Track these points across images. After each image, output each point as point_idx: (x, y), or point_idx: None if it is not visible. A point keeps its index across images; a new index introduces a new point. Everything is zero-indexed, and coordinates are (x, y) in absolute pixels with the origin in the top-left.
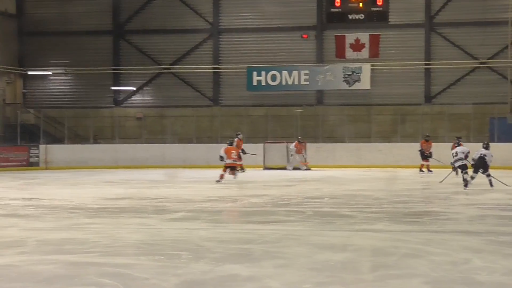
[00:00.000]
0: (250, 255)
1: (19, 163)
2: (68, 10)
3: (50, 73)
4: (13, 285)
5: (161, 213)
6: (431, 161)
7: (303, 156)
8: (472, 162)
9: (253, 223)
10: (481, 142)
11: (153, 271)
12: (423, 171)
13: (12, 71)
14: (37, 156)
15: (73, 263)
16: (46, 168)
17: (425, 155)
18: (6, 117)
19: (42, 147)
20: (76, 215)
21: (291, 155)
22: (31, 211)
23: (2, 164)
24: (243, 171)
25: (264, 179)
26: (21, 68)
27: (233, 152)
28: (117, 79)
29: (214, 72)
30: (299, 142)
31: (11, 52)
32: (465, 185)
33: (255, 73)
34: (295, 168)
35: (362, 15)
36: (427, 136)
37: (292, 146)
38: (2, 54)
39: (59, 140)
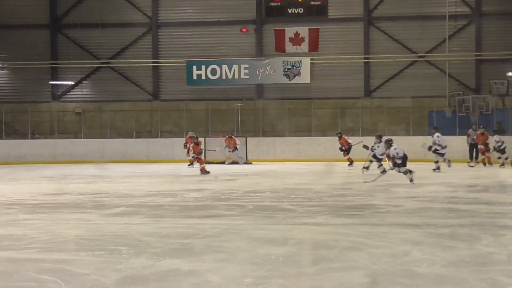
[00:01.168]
0: (191, 249)
1: None
2: (4, 3)
3: None
4: None
5: (101, 208)
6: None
7: (230, 150)
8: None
9: (194, 217)
10: (420, 136)
11: (94, 267)
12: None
13: None
14: None
15: (11, 260)
16: None
17: (343, 150)
18: None
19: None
20: (14, 211)
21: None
22: None
23: None
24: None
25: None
26: None
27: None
28: (55, 74)
29: (153, 66)
30: (229, 137)
31: None
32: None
33: (195, 67)
34: (233, 163)
35: (301, 9)
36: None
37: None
38: None
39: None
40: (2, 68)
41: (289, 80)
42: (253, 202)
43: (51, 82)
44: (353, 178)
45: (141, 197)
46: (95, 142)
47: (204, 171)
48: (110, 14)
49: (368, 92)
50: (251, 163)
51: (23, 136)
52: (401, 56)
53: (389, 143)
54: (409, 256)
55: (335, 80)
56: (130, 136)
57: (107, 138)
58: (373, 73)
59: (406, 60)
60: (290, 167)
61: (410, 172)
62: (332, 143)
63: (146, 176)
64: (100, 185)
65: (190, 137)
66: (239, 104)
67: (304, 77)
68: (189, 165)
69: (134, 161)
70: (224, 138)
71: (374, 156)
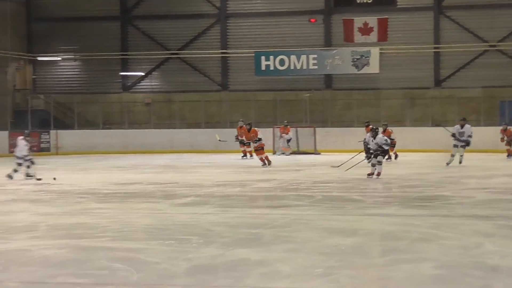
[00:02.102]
0: (260, 239)
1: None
2: None
3: (59, 58)
4: (26, 269)
5: (170, 198)
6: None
7: (286, 140)
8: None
9: (262, 207)
10: (491, 126)
11: (164, 256)
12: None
13: (22, 57)
14: (48, 142)
15: (84, 248)
16: (57, 154)
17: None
18: (16, 103)
19: (52, 132)
20: (86, 200)
21: (279, 141)
22: (41, 196)
23: (13, 149)
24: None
25: (273, 163)
26: (31, 54)
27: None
28: (125, 65)
29: (222, 57)
30: (285, 126)
31: (20, 38)
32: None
33: (263, 57)
34: (283, 153)
35: None
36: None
37: (277, 130)
38: (11, 40)
39: (69, 126)
40: (74, 60)
41: (358, 70)
42: (322, 192)
43: (122, 73)
44: (422, 169)
45: (210, 187)
46: (164, 133)
47: (262, 161)
48: (179, 5)
49: (438, 82)
50: (319, 154)
51: (94, 126)
52: (472, 45)
53: (375, 132)
54: (481, 248)
55: (404, 70)
56: (199, 127)
57: (176, 128)
58: (443, 63)
59: (476, 50)
60: (358, 158)
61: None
62: (401, 133)
63: (214, 166)
64: (169, 175)
65: (241, 127)
66: (308, 95)
67: (373, 67)
68: (242, 156)
69: (202, 151)
70: (279, 127)
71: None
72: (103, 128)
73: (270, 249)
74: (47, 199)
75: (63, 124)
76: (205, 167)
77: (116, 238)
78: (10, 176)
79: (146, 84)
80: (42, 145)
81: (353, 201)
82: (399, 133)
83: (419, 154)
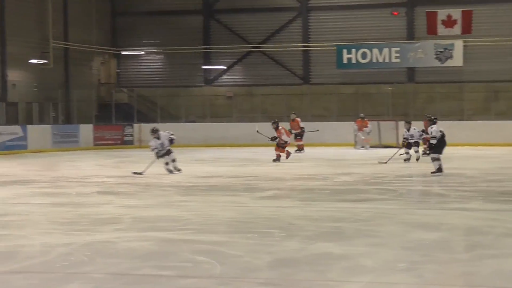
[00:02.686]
0: (343, 233)
1: (113, 142)
2: None
3: (142, 52)
4: (110, 261)
5: (252, 191)
6: None
7: (366, 133)
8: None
9: (345, 201)
10: None
11: (246, 249)
12: None
13: (106, 51)
14: (131, 135)
15: (167, 240)
16: (140, 147)
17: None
18: (101, 96)
19: (136, 125)
20: (169, 193)
21: (355, 134)
22: (126, 189)
23: (98, 142)
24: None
25: (354, 157)
26: (115, 48)
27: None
28: (207, 58)
29: (303, 50)
30: (362, 119)
31: (105, 33)
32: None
33: (345, 51)
34: (362, 147)
35: None
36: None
37: (353, 124)
38: (96, 35)
39: (151, 119)
40: (157, 54)
41: (441, 63)
42: (405, 186)
43: (204, 67)
44: (506, 163)
45: (291, 181)
46: (246, 126)
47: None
48: None
49: None
50: (401, 147)
51: (177, 119)
52: None
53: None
54: None
55: (489, 63)
56: (280, 120)
57: (257, 121)
58: None
59: None
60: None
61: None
62: (484, 127)
63: (296, 160)
64: (250, 168)
65: (293, 120)
66: (390, 88)
67: (457, 60)
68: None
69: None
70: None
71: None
72: (187, 122)
73: (353, 243)
74: (131, 192)
75: (146, 118)
76: (286, 160)
77: (199, 231)
78: (173, 169)
79: (228, 77)
80: (126, 138)
81: (436, 196)
82: (482, 126)
83: (503, 148)
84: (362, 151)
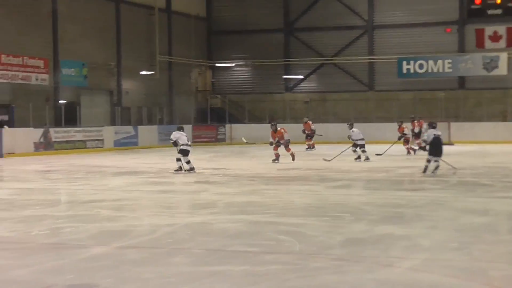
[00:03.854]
0: (403, 217)
1: (209, 139)
2: (247, 12)
3: (233, 65)
4: (207, 239)
5: (325, 181)
6: None
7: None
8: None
9: (404, 190)
10: None
11: (321, 230)
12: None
13: (203, 64)
14: (224, 134)
15: (254, 222)
16: (231, 143)
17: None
18: (198, 102)
19: (227, 126)
20: (255, 183)
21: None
22: (219, 179)
23: (196, 140)
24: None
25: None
26: (210, 61)
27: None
28: (287, 69)
29: (369, 62)
30: (416, 120)
31: (202, 49)
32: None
33: (404, 62)
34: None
35: (499, 10)
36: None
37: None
38: (195, 50)
39: (240, 120)
40: (245, 65)
41: (488, 72)
42: (456, 178)
43: (284, 77)
44: None
45: (358, 173)
46: (320, 126)
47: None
48: (333, 19)
49: None
50: (453, 144)
51: (261, 121)
52: None
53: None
54: None
55: None
56: (355, 121)
57: (329, 123)
58: None
59: None
60: (488, 149)
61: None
62: None
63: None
64: (323, 162)
65: (305, 123)
66: (443, 94)
67: (502, 69)
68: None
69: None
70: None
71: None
72: (269, 123)
73: (412, 225)
74: (223, 181)
75: (236, 119)
76: (352, 155)
77: (280, 214)
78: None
79: (305, 85)
80: (219, 137)
81: (484, 186)
82: None
83: None
84: (418, 147)
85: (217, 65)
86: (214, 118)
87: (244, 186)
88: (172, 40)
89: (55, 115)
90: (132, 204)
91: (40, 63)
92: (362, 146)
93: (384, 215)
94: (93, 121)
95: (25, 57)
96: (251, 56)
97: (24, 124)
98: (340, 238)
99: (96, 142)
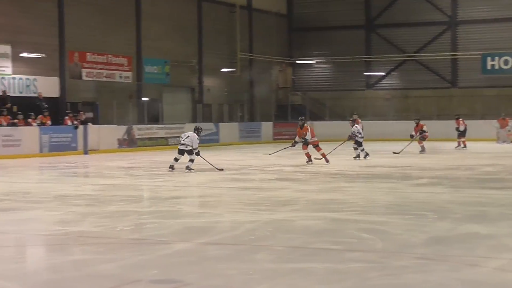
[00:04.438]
0: (487, 216)
1: (289, 136)
2: (328, 9)
3: (313, 62)
4: (289, 236)
5: (408, 179)
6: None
7: (508, 130)
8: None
9: (489, 188)
10: None
11: (404, 228)
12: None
13: (283, 61)
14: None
15: (336, 220)
16: None
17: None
18: (279, 99)
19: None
20: (336, 180)
21: (497, 131)
22: (300, 176)
23: (276, 137)
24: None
25: (496, 150)
26: (290, 59)
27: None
28: (368, 66)
29: (452, 58)
30: (502, 118)
31: (282, 46)
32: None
33: (489, 58)
34: (504, 142)
35: None
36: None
37: (495, 122)
38: (275, 47)
39: (321, 118)
40: (326, 63)
41: None
42: None
43: (365, 73)
44: None
45: (441, 170)
46: (402, 123)
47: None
48: (415, 15)
49: None
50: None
51: (342, 118)
52: None
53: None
54: None
55: None
56: (430, 119)
57: (411, 120)
58: None
59: None
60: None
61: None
62: None
63: (444, 152)
64: (405, 160)
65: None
66: None
67: None
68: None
69: (433, 139)
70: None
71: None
72: (348, 120)
73: (497, 224)
74: (304, 178)
75: (316, 116)
76: (434, 153)
77: (362, 212)
78: (172, 167)
79: (386, 82)
80: None
81: None
82: None
83: None
84: (504, 145)
85: (298, 62)
86: (294, 115)
87: (325, 183)
88: (253, 38)
89: (138, 112)
90: (214, 200)
91: (124, 61)
92: (360, 144)
93: (468, 214)
94: (174, 118)
95: (109, 55)
96: (332, 53)
97: (108, 121)
98: (423, 236)
99: (178, 139)
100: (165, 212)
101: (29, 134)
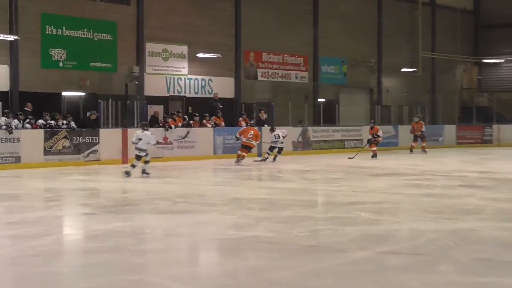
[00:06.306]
0: None
1: (473, 140)
2: (507, 4)
3: (502, 61)
4: (474, 247)
5: None
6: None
7: None
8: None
9: None
10: None
11: None
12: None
13: (469, 60)
14: (490, 135)
15: None
16: (498, 145)
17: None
18: (462, 100)
19: (494, 126)
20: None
21: None
22: (486, 183)
23: (459, 141)
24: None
25: None
26: (476, 57)
27: (250, 132)
28: None
29: None
30: None
31: (467, 44)
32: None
33: None
34: None
35: None
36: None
37: None
38: (460, 45)
39: (509, 121)
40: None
41: None
42: None
43: None
44: None
45: None
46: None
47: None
48: None
49: None
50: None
51: None
52: None
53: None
54: None
55: None
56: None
57: None
58: None
59: None
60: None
61: None
62: None
63: None
64: None
65: (416, 123)
66: None
67: None
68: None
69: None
70: None
71: None
72: None
73: None
74: (491, 186)
75: (505, 119)
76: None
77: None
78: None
79: None
80: (485, 138)
81: None
82: None
83: None
84: None
85: (485, 61)
86: (480, 118)
87: None
88: (435, 36)
89: (313, 114)
90: (393, 207)
91: (300, 60)
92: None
93: None
94: (351, 120)
95: (285, 55)
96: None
97: (282, 122)
98: None
99: (355, 142)
100: (342, 218)
101: (204, 135)
